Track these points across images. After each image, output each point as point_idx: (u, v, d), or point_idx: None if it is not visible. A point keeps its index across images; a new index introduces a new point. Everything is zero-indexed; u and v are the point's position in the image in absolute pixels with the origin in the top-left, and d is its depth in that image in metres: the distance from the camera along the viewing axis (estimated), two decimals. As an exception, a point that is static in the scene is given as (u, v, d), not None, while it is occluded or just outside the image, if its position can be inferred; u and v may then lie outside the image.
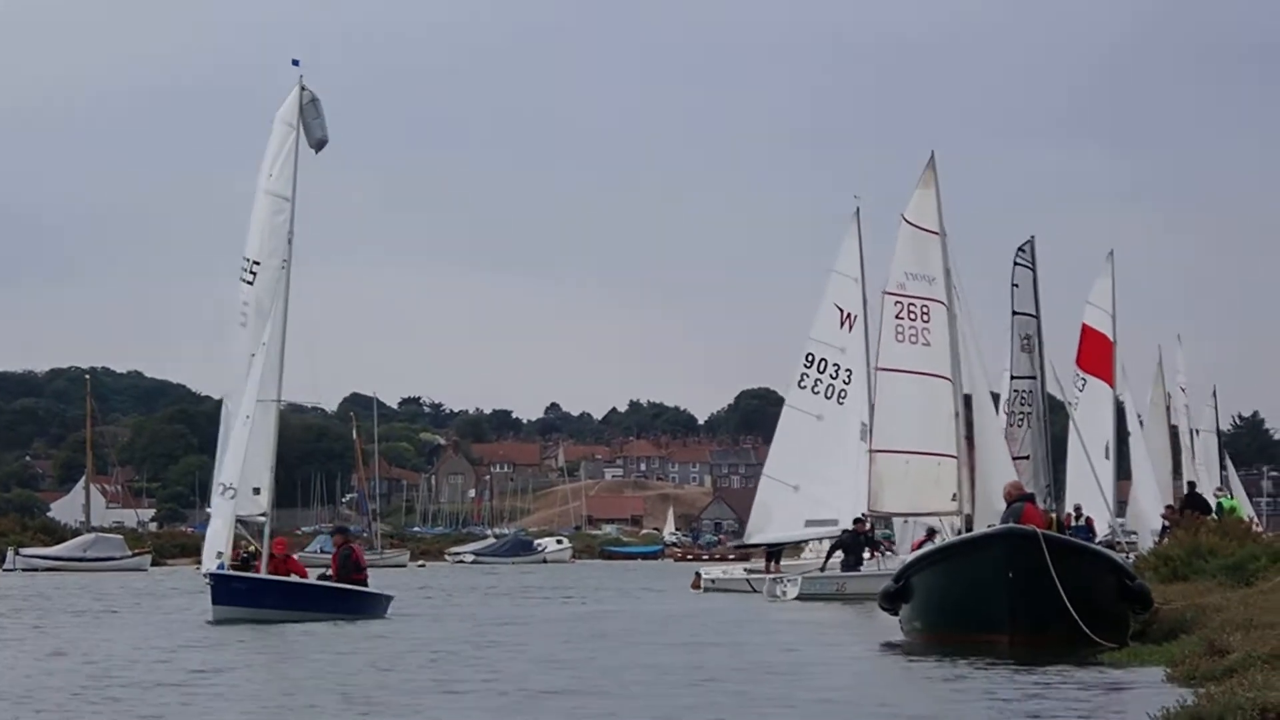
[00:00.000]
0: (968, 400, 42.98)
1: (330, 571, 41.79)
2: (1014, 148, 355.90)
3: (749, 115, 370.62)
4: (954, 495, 42.05)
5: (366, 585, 41.11)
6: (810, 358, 60.43)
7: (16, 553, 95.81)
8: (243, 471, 39.46)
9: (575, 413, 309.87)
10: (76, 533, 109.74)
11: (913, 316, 42.43)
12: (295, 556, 44.36)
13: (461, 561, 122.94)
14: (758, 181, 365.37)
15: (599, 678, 24.76)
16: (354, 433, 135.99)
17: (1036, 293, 46.69)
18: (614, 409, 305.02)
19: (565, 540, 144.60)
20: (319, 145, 41.58)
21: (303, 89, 41.60)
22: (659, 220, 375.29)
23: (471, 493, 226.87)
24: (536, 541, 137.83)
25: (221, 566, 38.87)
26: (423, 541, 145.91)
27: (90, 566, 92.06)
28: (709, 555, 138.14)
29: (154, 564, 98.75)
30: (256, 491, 40.49)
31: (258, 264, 41.32)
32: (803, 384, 60.52)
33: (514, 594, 60.61)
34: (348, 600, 39.99)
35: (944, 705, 21.50)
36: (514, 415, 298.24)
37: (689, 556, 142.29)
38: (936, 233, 42.93)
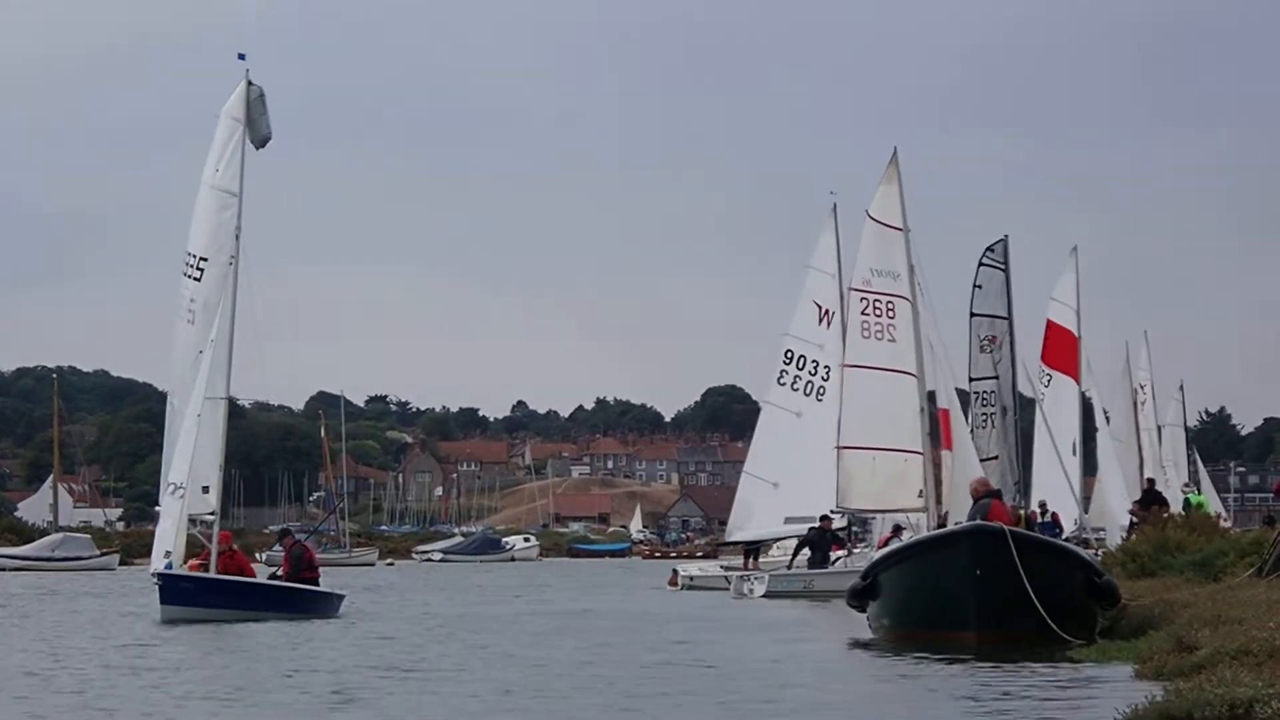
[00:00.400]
0: (932, 396, 43.05)
1: (281, 571, 41.69)
2: (977, 140, 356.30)
3: (716, 111, 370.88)
4: (920, 491, 42.09)
5: (318, 584, 41.03)
6: (790, 354, 60.32)
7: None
8: (191, 470, 39.12)
9: (542, 410, 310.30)
10: (44, 532, 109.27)
11: (878, 313, 42.48)
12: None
13: (429, 560, 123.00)
14: (723, 180, 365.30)
15: (565, 674, 24.67)
16: (321, 431, 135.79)
17: (1009, 292, 46.75)
18: (580, 407, 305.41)
19: (533, 538, 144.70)
20: (262, 142, 41.20)
21: (249, 84, 41.25)
22: (623, 219, 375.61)
23: (439, 491, 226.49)
24: (504, 540, 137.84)
25: (169, 566, 38.56)
26: (391, 540, 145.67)
27: (58, 566, 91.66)
28: (676, 553, 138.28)
29: (122, 563, 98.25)
30: (205, 490, 40.17)
31: (204, 260, 40.83)
32: (782, 381, 60.42)
33: (481, 592, 60.48)
34: (298, 599, 39.78)
35: (913, 704, 21.45)
36: (481, 413, 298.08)
37: (656, 554, 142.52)
38: (900, 229, 42.98)
